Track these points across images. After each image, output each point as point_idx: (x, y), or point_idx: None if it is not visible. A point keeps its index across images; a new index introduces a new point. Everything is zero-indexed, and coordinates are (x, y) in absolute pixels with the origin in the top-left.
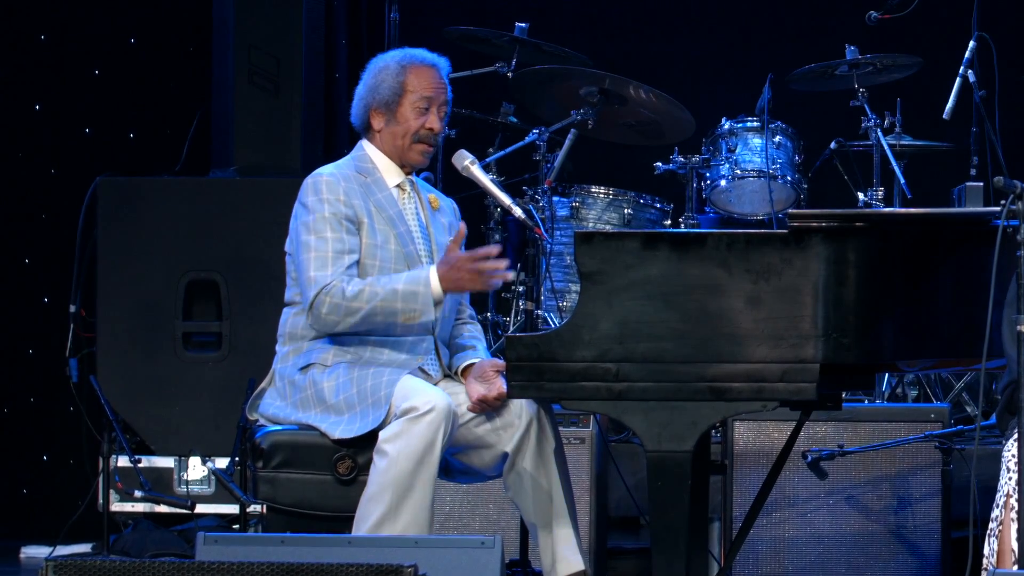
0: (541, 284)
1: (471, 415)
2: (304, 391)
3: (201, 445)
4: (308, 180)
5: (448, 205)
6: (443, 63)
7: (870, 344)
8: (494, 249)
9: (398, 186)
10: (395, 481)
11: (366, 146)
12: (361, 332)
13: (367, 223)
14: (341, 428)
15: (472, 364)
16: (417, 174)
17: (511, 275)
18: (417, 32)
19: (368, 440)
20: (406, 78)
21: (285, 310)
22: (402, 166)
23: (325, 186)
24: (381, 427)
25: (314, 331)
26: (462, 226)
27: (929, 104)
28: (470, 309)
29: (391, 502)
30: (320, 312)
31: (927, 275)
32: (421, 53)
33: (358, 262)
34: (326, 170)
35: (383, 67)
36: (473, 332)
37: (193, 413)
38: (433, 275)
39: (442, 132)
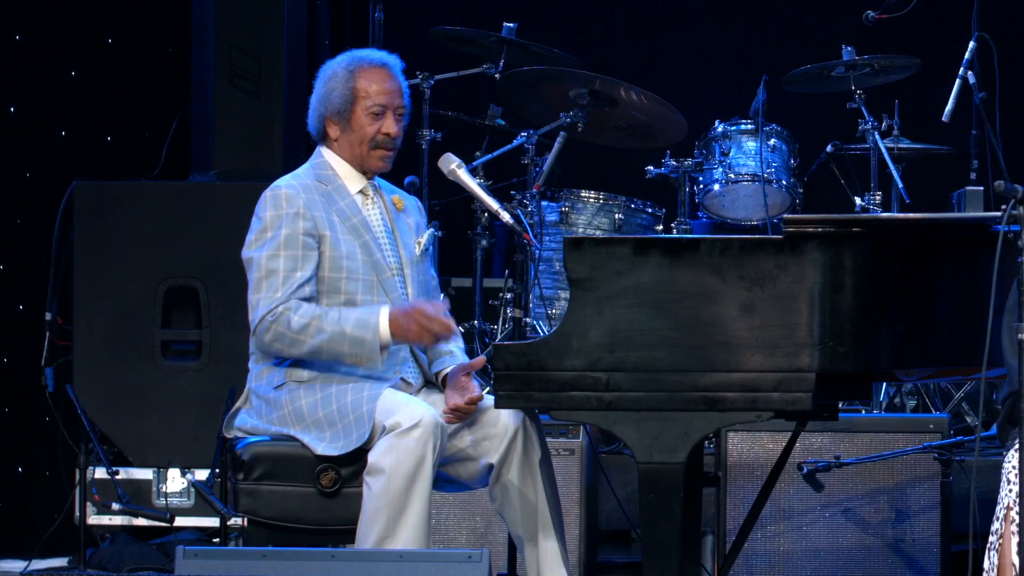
0: (530, 291)
1: (454, 425)
2: (281, 409)
3: (180, 456)
4: (267, 193)
5: (412, 204)
6: (394, 61)
7: (867, 353)
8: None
9: (360, 192)
10: (389, 500)
11: (325, 152)
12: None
13: (330, 235)
14: (324, 445)
15: (449, 372)
16: (400, 181)
17: (457, 336)
18: (402, 33)
19: (351, 453)
20: (356, 83)
21: None
22: (364, 172)
23: (284, 199)
24: (366, 444)
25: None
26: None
27: (928, 106)
28: None
29: (387, 522)
30: (264, 339)
31: (926, 282)
32: (369, 55)
33: (312, 279)
34: (284, 182)
35: (332, 74)
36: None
37: (172, 423)
38: (383, 321)
39: (400, 136)
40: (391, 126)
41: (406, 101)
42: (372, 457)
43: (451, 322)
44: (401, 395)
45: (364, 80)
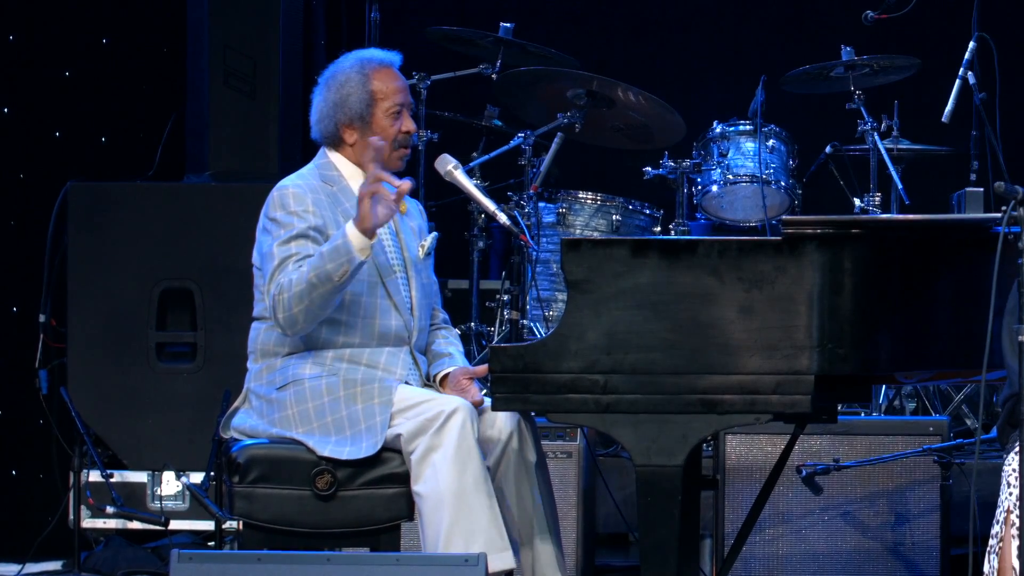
0: (527, 293)
1: None
2: (285, 410)
3: (175, 459)
4: (274, 193)
5: (415, 207)
6: (398, 59)
7: (866, 355)
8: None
9: None
10: (444, 495)
11: (330, 154)
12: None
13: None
14: (330, 447)
15: (449, 374)
16: (400, 177)
17: (406, 184)
18: (398, 33)
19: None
20: (373, 87)
21: (255, 324)
22: None
23: (292, 199)
24: (376, 455)
25: (288, 346)
26: (484, 368)
27: (928, 107)
28: (443, 313)
29: (450, 517)
30: (279, 315)
31: (925, 283)
32: (377, 55)
33: None
34: (291, 181)
35: (345, 80)
36: (448, 338)
37: (167, 426)
38: (348, 224)
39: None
40: (410, 123)
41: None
42: (415, 460)
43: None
44: (416, 391)
45: (379, 81)
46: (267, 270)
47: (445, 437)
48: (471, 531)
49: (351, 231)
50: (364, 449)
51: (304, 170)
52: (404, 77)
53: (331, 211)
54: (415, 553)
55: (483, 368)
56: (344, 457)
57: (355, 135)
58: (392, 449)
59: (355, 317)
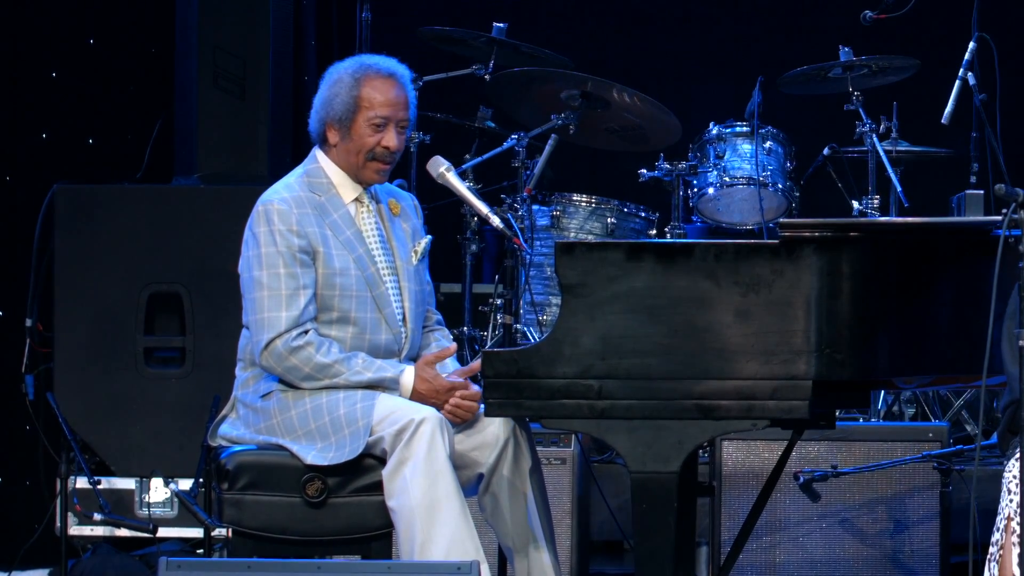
0: (520, 297)
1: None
2: (270, 419)
3: (163, 465)
4: (259, 207)
5: (408, 205)
6: (402, 71)
7: (865, 360)
8: (476, 391)
9: (356, 199)
10: (415, 508)
11: (320, 157)
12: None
13: (323, 251)
14: (314, 454)
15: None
16: (390, 181)
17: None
18: (389, 33)
19: (340, 463)
20: (360, 92)
21: (244, 332)
22: (358, 181)
23: (277, 216)
24: (360, 457)
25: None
26: (453, 347)
27: (927, 108)
28: (437, 315)
29: (422, 530)
30: (276, 368)
31: (925, 287)
32: (377, 63)
33: (314, 297)
34: (276, 196)
35: (338, 79)
36: (441, 340)
37: (155, 432)
38: (407, 380)
39: (400, 149)
40: (391, 139)
41: (411, 113)
42: (386, 475)
43: (472, 407)
44: (395, 399)
45: (369, 89)
46: (257, 298)
47: (414, 449)
48: (445, 545)
49: (407, 380)
50: (347, 453)
51: (291, 177)
52: (407, 91)
53: (317, 225)
54: (406, 561)
55: (452, 348)
56: (327, 463)
57: (336, 136)
58: (381, 458)
59: (344, 332)
